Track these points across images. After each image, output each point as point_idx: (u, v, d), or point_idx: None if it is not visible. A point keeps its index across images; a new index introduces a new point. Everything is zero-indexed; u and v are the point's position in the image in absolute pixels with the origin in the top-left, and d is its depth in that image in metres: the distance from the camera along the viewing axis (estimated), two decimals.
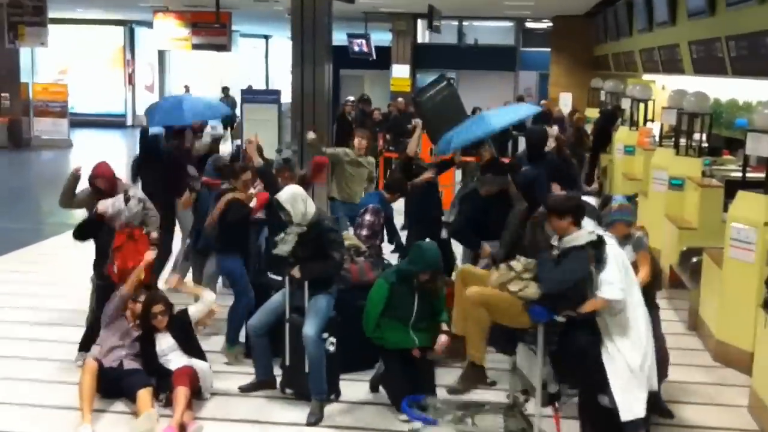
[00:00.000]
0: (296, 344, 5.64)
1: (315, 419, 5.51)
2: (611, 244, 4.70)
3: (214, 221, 6.49)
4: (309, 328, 5.49)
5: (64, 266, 9.26)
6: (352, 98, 16.40)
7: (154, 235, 6.58)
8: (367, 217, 6.90)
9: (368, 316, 5.51)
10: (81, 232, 6.50)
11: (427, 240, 5.76)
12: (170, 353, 5.75)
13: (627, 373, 4.56)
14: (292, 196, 5.55)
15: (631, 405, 4.54)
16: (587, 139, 14.24)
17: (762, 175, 6.89)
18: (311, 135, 8.71)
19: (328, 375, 5.61)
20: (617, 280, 4.56)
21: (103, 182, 6.61)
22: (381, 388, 5.86)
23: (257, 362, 5.92)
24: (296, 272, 5.52)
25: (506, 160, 9.11)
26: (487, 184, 6.75)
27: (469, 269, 5.71)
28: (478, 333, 4.88)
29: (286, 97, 13.41)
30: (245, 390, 5.90)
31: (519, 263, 4.75)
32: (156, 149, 8.28)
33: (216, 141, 8.79)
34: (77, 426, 5.21)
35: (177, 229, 8.28)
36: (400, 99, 17.83)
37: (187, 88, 26.35)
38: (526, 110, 8.22)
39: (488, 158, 7.34)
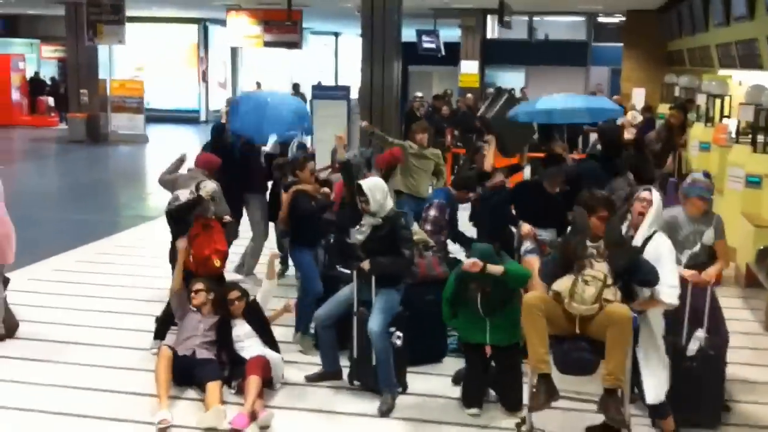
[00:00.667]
0: (363, 337, 5.70)
1: (386, 408, 5.56)
2: (664, 240, 4.87)
3: (284, 216, 6.60)
4: (374, 324, 5.55)
5: (141, 257, 9.55)
6: (420, 94, 16.42)
7: (227, 218, 6.80)
8: (432, 212, 6.93)
9: (444, 305, 5.55)
10: (176, 214, 6.60)
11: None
12: (246, 340, 5.87)
13: (656, 356, 4.84)
14: (375, 184, 5.65)
15: (657, 389, 4.83)
16: (679, 136, 13.83)
17: None
18: (364, 123, 8.79)
19: (395, 368, 5.67)
20: (677, 284, 4.75)
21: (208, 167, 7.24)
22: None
23: (323, 353, 6.01)
24: (366, 265, 5.59)
25: (577, 156, 9.04)
26: (551, 177, 6.68)
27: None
28: (542, 340, 4.77)
29: (356, 94, 13.55)
30: (311, 380, 6.00)
31: (594, 270, 4.73)
32: (228, 144, 8.39)
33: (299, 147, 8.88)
34: (155, 411, 5.37)
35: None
36: (469, 95, 17.77)
37: (258, 85, 26.86)
38: (603, 103, 8.14)
39: (560, 153, 7.29)
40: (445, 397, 5.79)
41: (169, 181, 7.44)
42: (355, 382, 5.92)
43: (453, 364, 6.13)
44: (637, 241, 4.93)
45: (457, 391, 5.74)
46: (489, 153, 7.89)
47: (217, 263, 6.35)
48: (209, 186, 6.46)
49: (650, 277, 4.73)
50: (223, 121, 8.96)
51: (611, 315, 4.63)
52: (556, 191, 6.67)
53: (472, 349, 5.57)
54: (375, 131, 9.07)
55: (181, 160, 7.63)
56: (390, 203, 5.69)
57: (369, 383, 5.80)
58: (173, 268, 6.51)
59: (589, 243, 4.86)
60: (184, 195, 6.59)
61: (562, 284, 4.77)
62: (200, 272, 6.27)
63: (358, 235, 5.64)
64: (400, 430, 5.39)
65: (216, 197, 6.56)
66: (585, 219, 4.90)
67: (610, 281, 4.69)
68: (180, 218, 6.48)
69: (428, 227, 6.85)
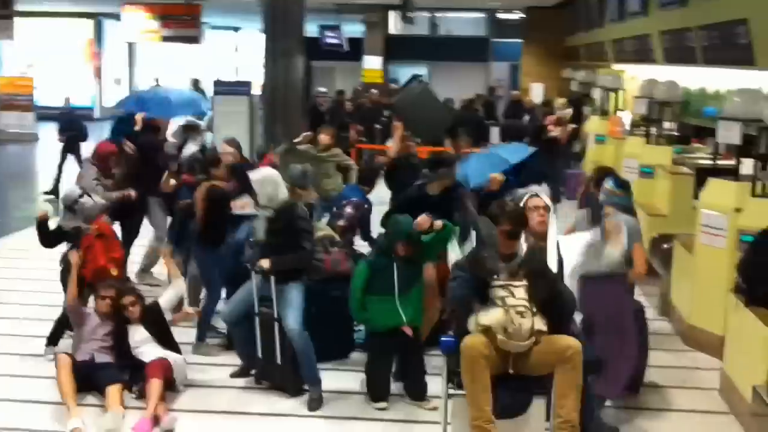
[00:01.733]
0: (267, 336, 5.62)
1: (315, 403, 5.51)
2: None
3: (202, 214, 6.40)
4: (291, 321, 5.47)
5: (31, 260, 9.11)
6: (323, 89, 16.34)
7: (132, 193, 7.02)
8: (348, 210, 6.88)
9: (353, 297, 5.50)
10: (47, 241, 6.52)
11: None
12: (143, 345, 5.69)
13: None
14: (262, 177, 5.55)
15: None
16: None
17: (732, 162, 6.96)
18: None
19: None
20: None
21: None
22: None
23: (239, 351, 5.92)
24: (265, 263, 5.47)
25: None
26: (440, 179, 6.25)
27: None
28: (486, 395, 4.21)
29: (257, 90, 13.34)
30: (235, 376, 5.90)
31: (518, 298, 4.26)
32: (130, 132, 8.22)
33: (191, 128, 8.71)
34: (65, 420, 5.13)
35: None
36: (374, 90, 17.80)
37: (156, 81, 26.12)
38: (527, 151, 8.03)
39: (465, 148, 7.35)
40: (355, 393, 5.74)
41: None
42: (263, 382, 5.81)
43: (360, 359, 6.08)
44: (551, 256, 4.67)
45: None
46: (395, 138, 7.93)
47: (114, 272, 6.15)
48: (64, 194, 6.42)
49: (570, 307, 4.47)
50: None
51: (561, 351, 4.19)
52: (436, 193, 6.25)
53: (381, 337, 5.51)
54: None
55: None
56: (283, 194, 5.59)
57: (276, 382, 5.71)
58: (64, 284, 6.22)
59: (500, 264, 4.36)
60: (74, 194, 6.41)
61: (492, 317, 4.22)
62: (96, 283, 6.02)
63: (257, 232, 5.55)
64: (311, 428, 5.32)
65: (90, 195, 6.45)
66: (493, 232, 4.42)
67: (535, 308, 4.26)
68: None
69: (341, 222, 6.79)
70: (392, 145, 8.02)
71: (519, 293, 4.25)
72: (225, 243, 6.46)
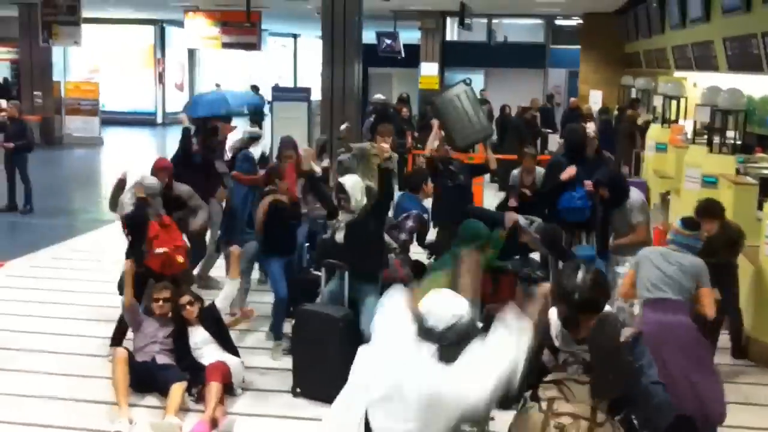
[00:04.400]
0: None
1: None
2: None
3: (261, 224, 6.53)
4: (365, 323, 5.52)
5: (97, 262, 9.35)
6: (382, 96, 16.40)
7: (198, 222, 6.99)
8: (410, 223, 6.92)
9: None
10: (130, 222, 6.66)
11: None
12: (204, 347, 5.78)
13: None
14: (355, 183, 5.71)
15: None
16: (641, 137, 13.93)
17: None
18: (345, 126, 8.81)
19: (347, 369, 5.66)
20: None
21: (164, 175, 7.02)
22: None
23: None
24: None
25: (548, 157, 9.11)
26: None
27: None
28: None
29: (315, 95, 13.49)
30: None
31: (574, 403, 3.16)
32: (188, 147, 8.33)
33: (254, 138, 8.85)
34: (114, 419, 5.25)
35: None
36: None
37: (217, 86, 26.57)
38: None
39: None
40: None
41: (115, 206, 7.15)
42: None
43: None
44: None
45: None
46: (431, 136, 7.93)
47: (180, 259, 6.28)
48: (146, 182, 6.54)
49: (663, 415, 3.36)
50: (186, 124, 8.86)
51: None
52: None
53: None
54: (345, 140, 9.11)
55: (121, 181, 7.06)
56: (365, 200, 5.77)
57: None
58: (121, 288, 6.35)
59: (565, 348, 3.31)
60: (128, 202, 6.57)
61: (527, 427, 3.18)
62: (165, 272, 6.19)
63: (339, 233, 5.68)
64: None
65: (152, 194, 6.56)
66: (545, 312, 3.40)
67: (601, 417, 3.11)
68: (135, 225, 6.43)
69: (404, 236, 6.82)
70: (429, 145, 7.99)
71: (580, 394, 3.16)
72: (291, 252, 6.59)
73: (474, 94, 7.84)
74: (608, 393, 3.13)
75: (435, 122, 8.00)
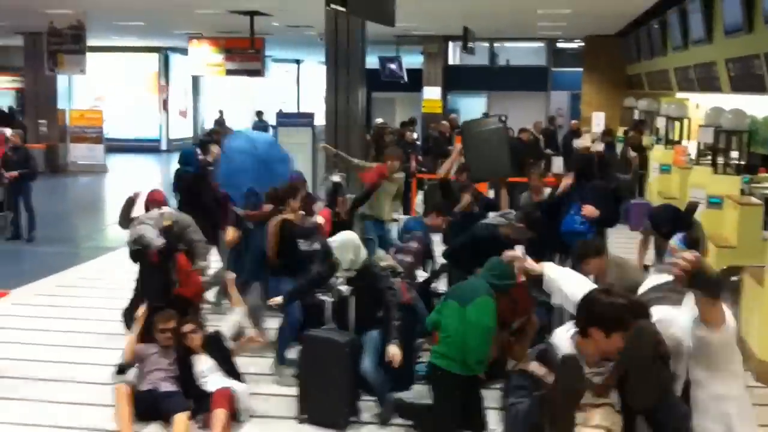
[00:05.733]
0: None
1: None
2: None
3: (274, 246, 6.49)
4: (367, 363, 5.58)
5: (102, 290, 9.35)
6: (381, 120, 16.47)
7: (202, 264, 6.73)
8: (413, 245, 6.90)
9: (487, 338, 5.01)
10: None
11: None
12: (209, 375, 5.75)
13: None
14: (343, 242, 5.62)
15: None
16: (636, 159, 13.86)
17: None
18: (322, 145, 8.86)
19: (351, 395, 5.67)
20: None
21: (156, 206, 6.97)
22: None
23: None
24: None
25: (553, 180, 9.11)
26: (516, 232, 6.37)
27: None
28: None
29: (319, 120, 13.53)
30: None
31: (592, 417, 2.94)
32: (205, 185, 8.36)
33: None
34: None
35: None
36: (444, 122, 17.85)
37: (221, 113, 26.70)
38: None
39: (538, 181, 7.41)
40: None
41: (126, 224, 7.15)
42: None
43: (422, 391, 6.03)
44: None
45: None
46: (449, 159, 7.93)
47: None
48: (168, 214, 6.66)
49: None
50: (210, 159, 8.85)
51: None
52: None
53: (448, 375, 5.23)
54: (338, 153, 9.20)
55: (131, 200, 7.16)
56: (362, 256, 5.70)
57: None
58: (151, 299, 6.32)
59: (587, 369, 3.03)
60: (149, 232, 6.53)
61: None
62: (197, 300, 6.45)
63: (341, 287, 5.64)
64: None
65: (193, 235, 6.69)
66: (576, 374, 2.98)
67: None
68: (167, 256, 6.49)
69: (409, 259, 6.80)
70: (446, 164, 7.99)
71: (596, 419, 2.94)
72: (300, 273, 6.53)
73: (507, 135, 7.91)
74: (643, 404, 2.92)
75: (457, 146, 8.01)
